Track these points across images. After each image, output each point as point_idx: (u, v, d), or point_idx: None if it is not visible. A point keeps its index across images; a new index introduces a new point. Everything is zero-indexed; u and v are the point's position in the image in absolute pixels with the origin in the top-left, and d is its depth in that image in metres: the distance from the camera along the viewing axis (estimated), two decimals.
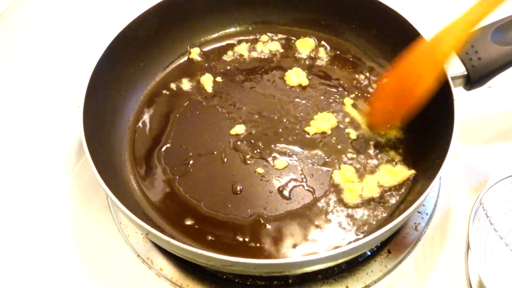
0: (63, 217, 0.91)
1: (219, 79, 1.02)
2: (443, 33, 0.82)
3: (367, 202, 0.85)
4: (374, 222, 0.83)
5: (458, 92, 0.84)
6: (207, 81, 1.02)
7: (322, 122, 0.94)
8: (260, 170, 0.89)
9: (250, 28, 1.10)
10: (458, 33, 0.81)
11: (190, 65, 1.05)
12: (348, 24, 1.05)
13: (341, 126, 0.94)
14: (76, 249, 0.87)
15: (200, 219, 0.84)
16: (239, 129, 0.94)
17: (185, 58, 1.06)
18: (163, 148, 0.93)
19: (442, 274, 0.83)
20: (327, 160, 0.90)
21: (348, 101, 0.97)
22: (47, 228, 0.90)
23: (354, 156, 0.90)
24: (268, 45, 1.07)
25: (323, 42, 1.06)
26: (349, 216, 0.83)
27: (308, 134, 0.93)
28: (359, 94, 0.98)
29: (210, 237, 0.82)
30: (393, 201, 0.85)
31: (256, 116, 0.96)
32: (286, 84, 1.00)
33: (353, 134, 0.92)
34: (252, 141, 0.92)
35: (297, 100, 0.98)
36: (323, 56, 1.04)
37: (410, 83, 0.85)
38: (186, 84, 1.02)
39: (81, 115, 0.83)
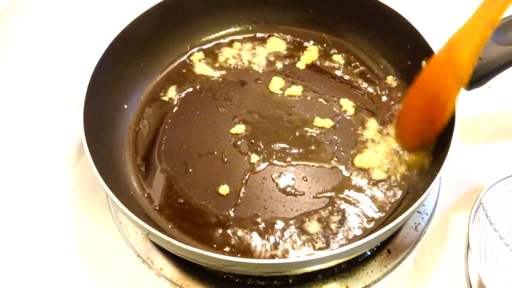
0: (63, 217, 0.91)
1: (219, 79, 1.02)
2: (458, 39, 0.78)
3: (368, 202, 0.85)
4: (373, 224, 0.83)
5: None
6: (207, 81, 1.02)
7: (322, 122, 0.94)
8: (260, 169, 0.89)
9: (250, 28, 1.10)
10: (475, 37, 0.76)
11: (190, 65, 1.05)
12: (348, 24, 1.05)
13: (339, 125, 0.94)
14: (76, 249, 0.87)
15: (200, 218, 0.84)
16: (239, 128, 0.94)
17: (185, 58, 1.06)
18: (163, 148, 0.93)
19: (442, 274, 0.83)
20: (328, 159, 0.90)
21: (345, 101, 0.97)
22: (47, 228, 0.90)
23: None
24: (268, 45, 1.07)
25: (323, 43, 1.06)
26: (350, 215, 0.84)
27: (309, 133, 0.93)
28: (359, 94, 0.98)
29: (210, 237, 0.82)
30: (393, 200, 0.85)
31: (256, 116, 0.96)
32: (286, 84, 1.00)
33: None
34: (252, 141, 0.92)
35: (297, 99, 0.98)
36: (323, 56, 1.04)
37: (434, 100, 0.82)
38: (186, 84, 1.02)
39: (81, 115, 0.83)
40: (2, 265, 0.86)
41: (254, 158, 0.90)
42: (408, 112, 0.91)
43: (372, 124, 0.94)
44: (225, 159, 0.90)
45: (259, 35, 1.09)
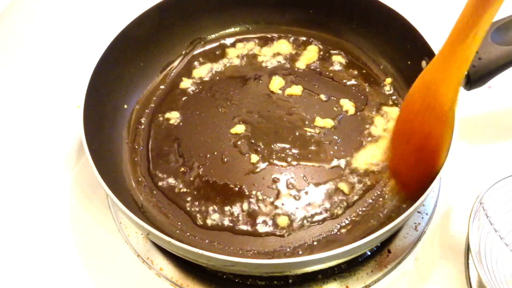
0: (63, 217, 0.91)
1: (219, 79, 1.02)
2: (437, 79, 0.72)
3: (368, 202, 0.85)
4: (375, 222, 0.83)
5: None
6: (207, 81, 1.02)
7: (322, 122, 0.94)
8: (260, 169, 0.89)
9: (250, 28, 1.10)
10: (455, 73, 0.71)
11: (190, 65, 1.04)
12: (348, 24, 1.05)
13: (339, 125, 0.94)
14: (76, 249, 0.87)
15: (200, 218, 0.84)
16: (239, 128, 0.94)
17: (185, 58, 1.06)
18: (163, 148, 0.93)
19: (442, 274, 0.83)
20: (328, 159, 0.90)
21: (345, 101, 0.97)
22: (47, 228, 0.90)
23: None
24: (268, 45, 1.07)
25: (323, 43, 1.06)
26: (350, 215, 0.83)
27: (309, 133, 0.93)
28: (359, 94, 0.98)
29: (210, 237, 0.82)
30: (392, 200, 0.85)
31: (256, 116, 0.96)
32: (286, 83, 1.00)
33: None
34: (252, 141, 0.92)
35: (297, 99, 0.98)
36: (323, 56, 1.04)
37: (423, 147, 0.76)
38: (186, 84, 1.01)
39: (81, 115, 0.83)
40: (2, 265, 0.86)
41: (254, 158, 0.90)
42: (399, 162, 0.85)
43: (371, 124, 0.94)
44: (225, 159, 0.90)
45: (259, 35, 1.08)
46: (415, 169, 0.81)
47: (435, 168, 0.75)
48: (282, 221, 0.83)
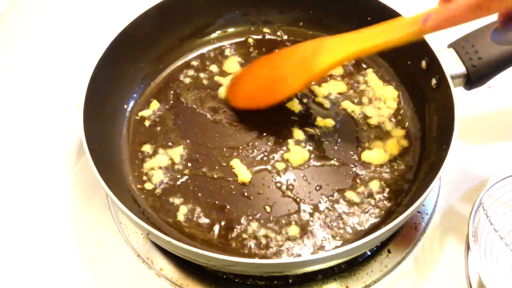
0: (63, 217, 0.91)
1: (219, 78, 1.02)
2: (330, 45, 0.84)
3: (368, 202, 0.85)
4: (372, 224, 0.83)
5: (458, 92, 0.84)
6: (207, 80, 1.02)
7: (323, 122, 0.94)
8: (260, 169, 0.89)
9: (250, 28, 1.09)
10: (342, 53, 0.82)
11: (189, 65, 1.05)
12: (348, 24, 1.05)
13: (339, 125, 0.94)
14: (76, 249, 0.87)
15: (200, 218, 0.84)
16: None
17: (185, 58, 1.06)
18: (163, 148, 0.93)
19: (442, 274, 0.83)
20: (329, 158, 0.90)
21: (346, 103, 0.97)
22: (47, 228, 0.90)
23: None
24: (268, 45, 1.07)
25: None
26: (350, 214, 0.84)
27: (309, 133, 0.93)
28: (358, 94, 0.98)
29: (210, 237, 0.82)
30: (393, 201, 0.85)
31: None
32: None
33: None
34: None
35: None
36: None
37: (280, 79, 0.89)
38: (186, 84, 1.01)
39: (81, 115, 0.83)
40: (2, 265, 0.86)
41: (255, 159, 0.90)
42: (249, 76, 0.96)
43: (371, 123, 0.94)
44: (226, 159, 0.90)
45: (259, 35, 1.08)
46: (254, 90, 0.94)
47: (271, 99, 0.90)
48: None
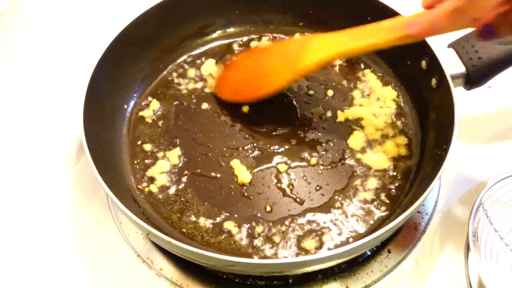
0: (63, 217, 0.91)
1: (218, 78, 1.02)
2: (316, 43, 0.84)
3: (368, 202, 0.85)
4: (372, 224, 0.83)
5: (458, 92, 0.84)
6: (207, 80, 1.02)
7: (322, 122, 0.94)
8: (260, 169, 0.89)
9: (251, 28, 1.09)
10: (327, 53, 0.82)
11: (190, 65, 1.05)
12: (348, 24, 1.04)
13: (339, 126, 0.94)
14: (76, 249, 0.87)
15: (200, 218, 0.84)
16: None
17: (185, 58, 1.06)
18: (163, 148, 0.93)
19: (442, 274, 0.83)
20: (329, 158, 0.90)
21: (346, 103, 0.97)
22: (47, 228, 0.90)
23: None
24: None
25: None
26: (349, 214, 0.84)
27: (309, 133, 0.93)
28: (358, 94, 0.98)
29: (210, 237, 0.82)
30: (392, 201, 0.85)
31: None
32: None
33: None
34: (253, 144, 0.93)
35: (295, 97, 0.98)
36: None
37: (264, 74, 0.90)
38: (186, 84, 1.01)
39: (81, 115, 0.83)
40: (2, 265, 0.86)
41: (255, 159, 0.90)
42: (235, 69, 0.97)
43: (371, 123, 0.94)
44: (226, 159, 0.90)
45: (259, 35, 1.08)
46: (239, 84, 0.95)
47: (255, 93, 0.91)
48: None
